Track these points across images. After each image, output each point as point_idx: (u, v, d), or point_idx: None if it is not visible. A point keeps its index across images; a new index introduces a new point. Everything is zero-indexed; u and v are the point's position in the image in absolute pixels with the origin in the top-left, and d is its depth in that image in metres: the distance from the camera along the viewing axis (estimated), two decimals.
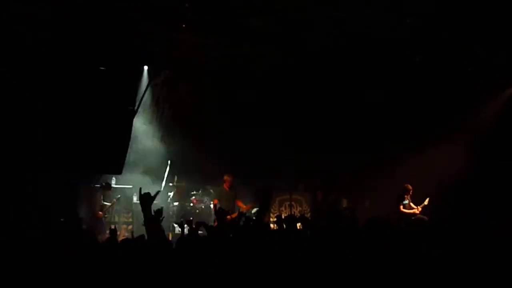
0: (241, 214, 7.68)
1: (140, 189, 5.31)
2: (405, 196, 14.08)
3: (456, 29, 12.60)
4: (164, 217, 5.25)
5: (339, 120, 15.66)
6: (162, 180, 14.07)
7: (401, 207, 14.02)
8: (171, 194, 14.29)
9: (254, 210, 12.99)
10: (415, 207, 13.94)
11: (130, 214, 13.06)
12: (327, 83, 14.96)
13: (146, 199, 5.18)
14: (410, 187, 14.09)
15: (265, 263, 4.51)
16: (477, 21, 12.15)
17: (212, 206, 12.91)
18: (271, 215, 14.80)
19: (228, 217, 11.66)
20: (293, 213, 15.06)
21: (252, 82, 14.70)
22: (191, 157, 14.50)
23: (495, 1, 11.43)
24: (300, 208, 15.49)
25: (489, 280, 4.34)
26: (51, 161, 11.06)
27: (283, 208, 15.33)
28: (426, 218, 13.68)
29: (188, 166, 14.54)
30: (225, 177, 13.18)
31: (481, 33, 12.69)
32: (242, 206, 12.90)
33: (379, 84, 14.63)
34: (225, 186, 13.08)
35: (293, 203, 15.52)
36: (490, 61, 14.08)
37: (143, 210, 5.13)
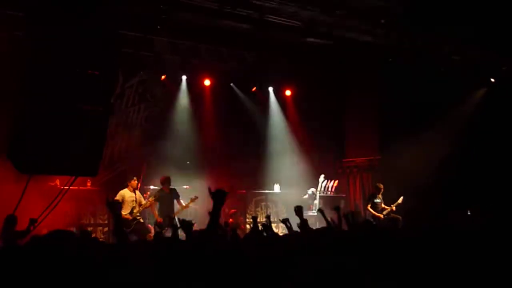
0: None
1: (107, 197, 5.36)
2: (377, 195, 14.19)
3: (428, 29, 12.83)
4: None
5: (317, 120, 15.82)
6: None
7: (369, 206, 14.13)
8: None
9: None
10: (387, 207, 14.03)
11: (105, 217, 12.93)
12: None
13: (114, 206, 5.23)
14: (381, 186, 14.21)
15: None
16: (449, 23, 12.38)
17: (152, 208, 12.52)
18: (247, 216, 14.83)
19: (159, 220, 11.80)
20: (269, 213, 15.08)
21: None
22: (168, 157, 14.49)
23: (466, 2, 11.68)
24: (276, 209, 15.50)
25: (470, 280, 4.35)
26: (24, 164, 10.91)
27: (259, 209, 15.33)
28: (400, 217, 13.78)
29: (165, 168, 14.49)
30: (162, 179, 12.75)
31: (455, 34, 12.94)
32: (181, 205, 12.59)
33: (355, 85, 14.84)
34: (164, 188, 12.64)
35: (269, 203, 15.53)
36: (463, 62, 14.35)
37: (112, 217, 5.14)
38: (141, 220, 12.06)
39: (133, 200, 12.01)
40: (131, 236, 11.28)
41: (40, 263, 3.69)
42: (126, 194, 12.03)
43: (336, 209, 6.79)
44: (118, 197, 11.89)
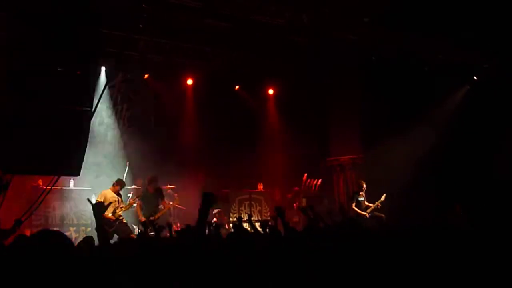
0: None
1: (88, 199, 5.37)
2: (360, 193, 14.17)
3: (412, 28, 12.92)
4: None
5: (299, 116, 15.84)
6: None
7: (354, 205, 14.15)
8: (129, 195, 14.17)
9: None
10: (371, 204, 14.06)
11: (88, 217, 12.87)
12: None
13: (98, 207, 5.25)
14: (363, 183, 14.21)
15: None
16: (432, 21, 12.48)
17: (137, 208, 12.51)
18: (231, 215, 14.86)
19: (151, 218, 11.74)
20: (252, 212, 15.11)
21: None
22: (151, 158, 14.45)
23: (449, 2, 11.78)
24: (260, 208, 15.53)
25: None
26: (6, 164, 10.83)
27: (242, 208, 15.36)
28: (383, 216, 13.82)
29: (148, 167, 14.45)
30: (149, 179, 12.71)
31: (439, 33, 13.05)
32: (165, 205, 12.64)
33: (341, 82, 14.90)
34: (149, 189, 12.56)
35: (252, 202, 15.55)
36: (445, 60, 14.47)
37: (95, 218, 5.15)
38: (124, 221, 12.01)
39: (115, 201, 11.95)
40: (113, 236, 11.30)
41: (26, 262, 3.69)
42: (108, 194, 11.97)
43: (302, 210, 6.77)
44: (100, 197, 11.87)
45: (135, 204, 12.35)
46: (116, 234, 11.57)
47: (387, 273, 4.40)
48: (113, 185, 12.10)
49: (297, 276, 4.37)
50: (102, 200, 11.73)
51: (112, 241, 10.45)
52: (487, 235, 5.31)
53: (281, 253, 4.94)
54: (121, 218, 11.97)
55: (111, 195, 11.98)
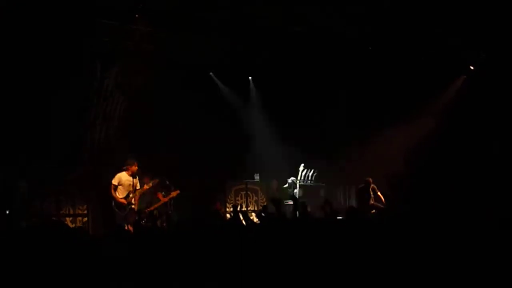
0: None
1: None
2: (368, 189, 14.14)
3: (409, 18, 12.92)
4: None
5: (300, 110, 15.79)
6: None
7: (360, 201, 14.15)
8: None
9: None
10: (377, 203, 14.04)
11: (84, 207, 12.86)
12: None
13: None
14: (370, 180, 14.18)
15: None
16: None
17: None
18: (227, 205, 14.86)
19: (147, 209, 11.67)
20: (249, 202, 15.13)
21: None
22: (148, 148, 14.46)
23: None
24: (256, 198, 15.54)
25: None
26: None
27: (239, 198, 15.36)
28: (381, 206, 13.86)
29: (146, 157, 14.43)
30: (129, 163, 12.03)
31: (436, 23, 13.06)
32: (161, 198, 12.46)
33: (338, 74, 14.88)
34: (127, 173, 12.02)
35: (249, 192, 15.56)
36: (442, 51, 14.47)
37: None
38: (133, 207, 11.78)
39: (130, 184, 11.77)
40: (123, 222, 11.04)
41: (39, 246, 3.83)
42: (123, 177, 11.82)
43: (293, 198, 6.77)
44: (115, 180, 11.74)
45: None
46: (126, 220, 11.22)
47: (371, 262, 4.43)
48: (126, 167, 11.86)
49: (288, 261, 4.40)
50: (117, 184, 11.72)
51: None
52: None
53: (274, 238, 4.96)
54: (133, 204, 11.80)
55: (126, 178, 11.85)
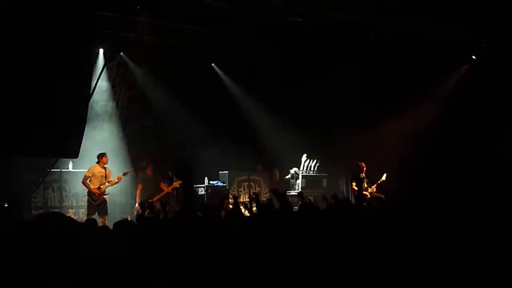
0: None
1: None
2: (361, 174, 14.09)
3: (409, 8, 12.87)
4: None
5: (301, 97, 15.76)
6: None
7: (354, 185, 14.16)
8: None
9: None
10: (371, 186, 14.07)
11: (86, 198, 12.93)
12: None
13: None
14: (363, 164, 14.20)
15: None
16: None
17: (138, 191, 12.73)
18: (230, 196, 14.88)
19: (149, 200, 11.77)
20: (251, 193, 15.15)
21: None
22: (151, 139, 14.51)
23: None
24: (259, 189, 15.57)
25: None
26: (3, 146, 10.86)
27: (241, 189, 15.39)
28: (383, 196, 13.84)
29: (148, 148, 14.47)
30: (146, 163, 13.14)
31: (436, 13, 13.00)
32: (164, 188, 12.85)
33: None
34: (148, 171, 12.95)
35: (251, 183, 15.59)
36: (443, 40, 14.41)
37: None
38: (105, 198, 12.32)
39: (102, 176, 12.37)
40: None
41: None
42: (95, 169, 12.38)
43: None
44: (88, 172, 12.36)
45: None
46: (97, 211, 12.05)
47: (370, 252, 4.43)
48: (98, 160, 12.45)
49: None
50: (90, 176, 12.28)
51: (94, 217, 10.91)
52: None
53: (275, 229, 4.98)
54: (105, 194, 12.32)
55: (98, 170, 12.36)
